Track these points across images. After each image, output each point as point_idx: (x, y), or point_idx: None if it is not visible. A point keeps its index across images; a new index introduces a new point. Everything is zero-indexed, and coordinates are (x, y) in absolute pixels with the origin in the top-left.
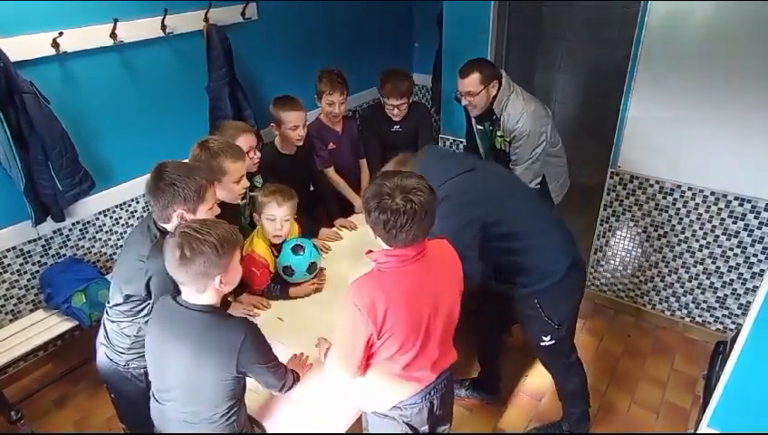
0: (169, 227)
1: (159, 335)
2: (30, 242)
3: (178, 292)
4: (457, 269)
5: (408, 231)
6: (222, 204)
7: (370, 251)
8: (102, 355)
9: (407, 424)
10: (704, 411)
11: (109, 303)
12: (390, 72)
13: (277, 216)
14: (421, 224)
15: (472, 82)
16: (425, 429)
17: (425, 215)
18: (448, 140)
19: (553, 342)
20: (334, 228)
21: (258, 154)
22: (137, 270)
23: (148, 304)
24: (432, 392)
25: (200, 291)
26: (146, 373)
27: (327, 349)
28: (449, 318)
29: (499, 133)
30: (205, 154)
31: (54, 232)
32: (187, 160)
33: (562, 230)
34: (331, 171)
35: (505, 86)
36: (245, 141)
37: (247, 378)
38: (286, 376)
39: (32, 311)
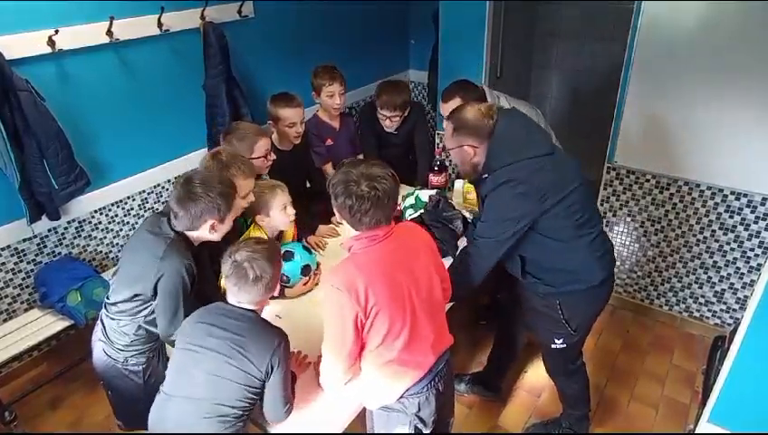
0: (195, 234)
1: (201, 325)
2: (25, 240)
3: (186, 299)
4: (429, 242)
5: (371, 216)
6: None
7: (345, 240)
8: (100, 352)
9: (416, 416)
10: (703, 406)
11: (108, 299)
12: (389, 84)
13: (287, 201)
14: (384, 209)
15: (454, 106)
16: (433, 418)
17: (387, 200)
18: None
19: (564, 346)
20: (331, 225)
21: (273, 156)
22: (149, 269)
23: (151, 304)
24: (437, 378)
25: (259, 302)
26: (144, 370)
27: (315, 363)
28: (431, 295)
29: None
30: (217, 166)
31: (49, 230)
32: (186, 156)
33: (607, 239)
34: (329, 168)
35: (490, 101)
36: (264, 145)
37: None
38: (291, 402)
39: (26, 310)
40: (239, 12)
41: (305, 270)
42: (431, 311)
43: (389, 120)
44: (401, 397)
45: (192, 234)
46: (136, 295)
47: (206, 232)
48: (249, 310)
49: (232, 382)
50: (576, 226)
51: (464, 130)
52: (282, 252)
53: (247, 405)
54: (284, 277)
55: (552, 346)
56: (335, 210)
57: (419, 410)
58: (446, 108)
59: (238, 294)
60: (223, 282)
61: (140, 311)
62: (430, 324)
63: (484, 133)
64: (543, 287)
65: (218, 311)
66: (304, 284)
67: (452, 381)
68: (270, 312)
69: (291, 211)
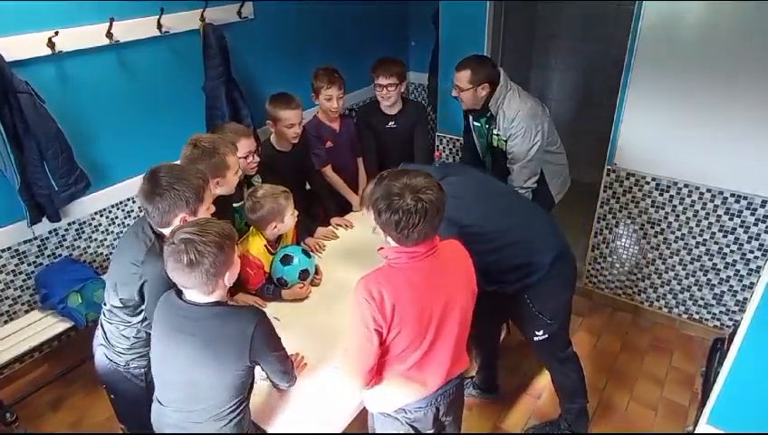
0: (168, 231)
1: (165, 334)
2: (25, 242)
3: (178, 293)
4: (469, 270)
5: (420, 230)
6: (216, 201)
7: (382, 248)
8: (101, 356)
9: (410, 425)
10: (702, 408)
11: (105, 304)
12: (384, 57)
13: (291, 209)
14: (432, 222)
15: (462, 77)
16: (429, 431)
17: (435, 212)
18: (444, 138)
19: (547, 336)
20: (330, 227)
21: (257, 158)
22: (131, 275)
23: (142, 308)
24: (439, 398)
25: (208, 292)
26: (146, 373)
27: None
28: (463, 319)
29: (495, 131)
30: (202, 152)
31: (50, 232)
32: (177, 162)
33: (543, 223)
34: (328, 170)
35: (503, 84)
36: (245, 145)
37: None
38: (293, 368)
39: (27, 312)
40: (239, 13)
41: (303, 274)
42: (457, 338)
43: (386, 90)
44: (399, 408)
45: (168, 231)
46: (123, 300)
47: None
48: (210, 304)
49: (214, 389)
50: (501, 225)
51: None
52: (281, 256)
53: (240, 397)
54: (283, 280)
55: (535, 339)
56: (379, 228)
57: (414, 422)
58: (457, 76)
59: (185, 284)
60: None
61: (135, 315)
62: (450, 351)
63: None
64: (509, 287)
65: (178, 312)
66: (300, 288)
67: (461, 399)
68: (268, 315)
69: (295, 212)
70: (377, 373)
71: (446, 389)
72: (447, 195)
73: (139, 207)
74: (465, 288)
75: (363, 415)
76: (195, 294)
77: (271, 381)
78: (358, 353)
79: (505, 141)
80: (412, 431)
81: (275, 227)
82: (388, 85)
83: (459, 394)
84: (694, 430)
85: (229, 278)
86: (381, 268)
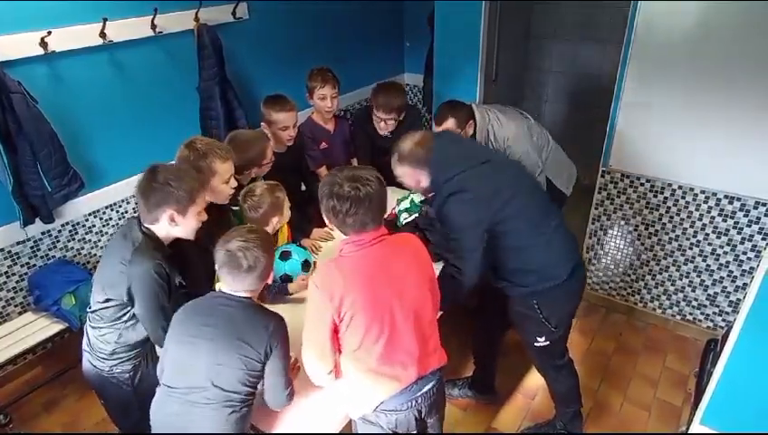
0: (156, 228)
1: (191, 318)
2: (18, 244)
3: (168, 297)
4: (426, 266)
5: (353, 217)
6: (213, 208)
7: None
8: (86, 362)
9: (393, 432)
10: (695, 409)
11: (90, 307)
12: (385, 86)
13: (287, 201)
14: (366, 210)
15: (448, 127)
16: (413, 433)
17: (369, 202)
18: None
19: (548, 343)
20: (326, 228)
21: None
22: (119, 274)
23: (129, 310)
24: (420, 399)
25: (253, 290)
26: (131, 378)
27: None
28: (419, 312)
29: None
30: (193, 154)
31: (43, 233)
32: (173, 162)
33: (567, 232)
34: (323, 171)
35: (481, 120)
36: (271, 148)
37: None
38: (292, 384)
39: (20, 313)
40: (233, 14)
41: (305, 266)
42: (418, 326)
43: (384, 123)
44: (377, 409)
45: (160, 232)
46: (110, 300)
47: (165, 225)
48: (243, 297)
49: (232, 368)
50: (530, 226)
51: (405, 161)
52: (278, 254)
53: (250, 389)
54: (286, 276)
55: (536, 344)
56: (323, 215)
57: (396, 427)
58: (440, 130)
59: (232, 284)
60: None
61: (119, 317)
62: (415, 340)
63: (423, 160)
64: (518, 290)
65: (211, 300)
66: (303, 280)
67: (442, 400)
68: None
69: (289, 204)
70: (337, 365)
71: (427, 389)
72: (486, 181)
73: (133, 209)
74: (421, 280)
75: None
76: (235, 291)
77: (266, 396)
78: (311, 335)
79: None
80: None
81: (277, 220)
82: (386, 120)
83: (441, 395)
84: (687, 430)
85: (269, 279)
86: (330, 260)
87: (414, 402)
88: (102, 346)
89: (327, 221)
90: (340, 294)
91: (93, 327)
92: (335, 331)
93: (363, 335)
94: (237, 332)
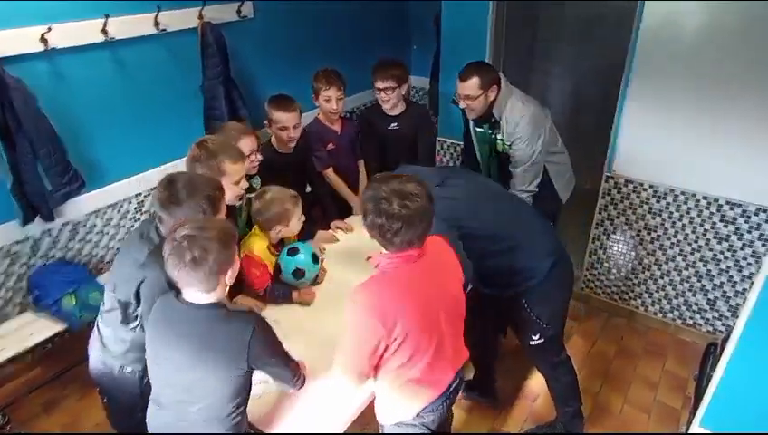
0: None
1: (161, 336)
2: (18, 243)
3: (176, 294)
4: (454, 260)
5: (402, 236)
6: None
7: (370, 257)
8: (96, 360)
9: (428, 428)
10: (695, 412)
11: (104, 305)
12: (384, 58)
13: (299, 214)
14: (416, 229)
15: (471, 86)
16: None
17: (419, 221)
18: (446, 142)
19: (542, 340)
20: (330, 230)
21: (259, 157)
22: (130, 274)
23: (138, 313)
24: (452, 395)
25: (209, 290)
26: (141, 378)
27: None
28: (457, 311)
29: (500, 137)
30: (204, 154)
31: (43, 233)
32: (184, 159)
33: (542, 227)
34: (330, 172)
35: (504, 90)
36: (247, 144)
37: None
38: (298, 370)
39: (19, 313)
40: (238, 12)
41: (315, 258)
42: (456, 327)
43: (384, 93)
44: (418, 415)
45: None
46: (120, 302)
47: None
48: (209, 305)
49: (211, 391)
50: (502, 227)
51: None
52: (286, 251)
53: (238, 400)
54: (300, 271)
55: (531, 343)
56: (365, 228)
57: (432, 424)
58: (463, 87)
59: (187, 288)
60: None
61: (130, 319)
62: (453, 342)
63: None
64: (506, 292)
65: (174, 314)
66: (307, 294)
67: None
68: (268, 318)
69: (302, 217)
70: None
71: (456, 384)
72: (448, 198)
73: (135, 208)
74: (455, 277)
75: (361, 418)
76: (193, 293)
77: (277, 386)
78: (348, 357)
79: (509, 146)
80: (428, 432)
81: (279, 230)
82: (385, 89)
83: (460, 387)
84: (687, 430)
85: (230, 277)
86: (377, 275)
87: (448, 400)
88: (117, 346)
89: (369, 234)
90: (393, 318)
91: (108, 326)
92: (376, 357)
93: (410, 356)
94: (211, 354)
